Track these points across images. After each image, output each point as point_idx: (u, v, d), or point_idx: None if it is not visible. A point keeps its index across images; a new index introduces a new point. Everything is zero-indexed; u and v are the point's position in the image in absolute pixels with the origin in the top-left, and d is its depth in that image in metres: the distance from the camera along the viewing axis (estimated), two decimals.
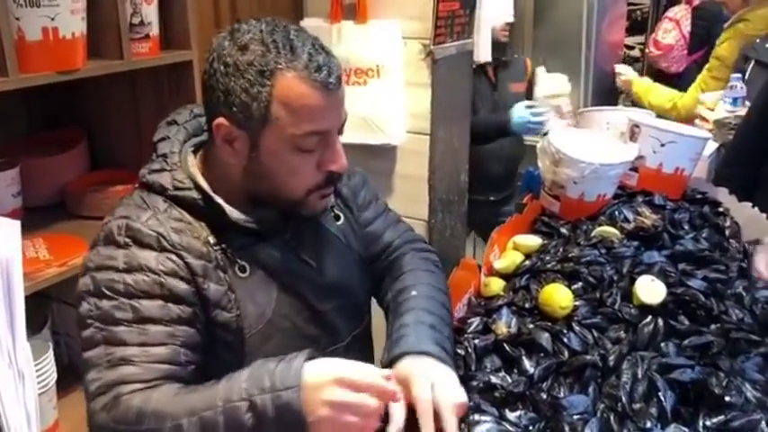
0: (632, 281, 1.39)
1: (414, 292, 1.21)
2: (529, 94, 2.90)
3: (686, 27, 4.89)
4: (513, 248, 1.65)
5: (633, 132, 1.92)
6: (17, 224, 1.02)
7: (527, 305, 1.38)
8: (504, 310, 1.36)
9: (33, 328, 1.56)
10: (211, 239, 1.05)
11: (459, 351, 1.23)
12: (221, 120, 1.01)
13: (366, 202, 1.33)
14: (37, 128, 1.83)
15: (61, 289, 1.66)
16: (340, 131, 1.08)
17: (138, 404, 0.92)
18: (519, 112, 2.59)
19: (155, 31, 1.54)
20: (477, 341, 1.27)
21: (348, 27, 2.02)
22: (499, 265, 1.57)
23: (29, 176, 1.63)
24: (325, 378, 0.88)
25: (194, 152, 1.13)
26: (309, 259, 1.16)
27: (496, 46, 2.73)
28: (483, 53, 2.32)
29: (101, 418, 0.94)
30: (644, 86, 2.98)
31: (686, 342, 1.24)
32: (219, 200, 1.06)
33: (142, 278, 0.99)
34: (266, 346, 1.09)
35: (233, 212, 1.06)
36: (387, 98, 2.01)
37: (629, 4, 5.11)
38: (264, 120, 1.00)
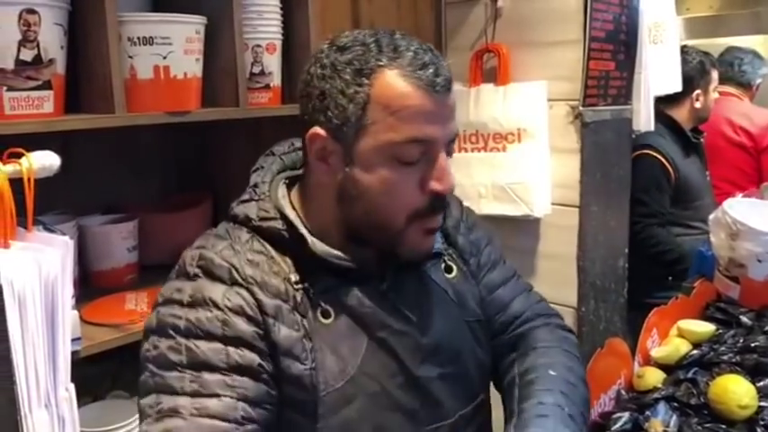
0: None
1: (552, 372, 0.99)
2: None
3: None
4: (677, 335, 1.36)
5: None
6: (68, 242, 0.94)
7: (692, 401, 1.08)
8: (662, 406, 1.08)
9: (135, 389, 1.47)
10: (293, 277, 0.91)
11: None
12: (316, 129, 0.90)
13: (491, 262, 1.12)
14: (171, 190, 1.84)
15: None
16: (449, 151, 0.92)
17: None
18: None
19: (276, 81, 1.49)
20: None
21: (487, 89, 1.88)
22: (659, 353, 1.28)
23: (149, 234, 1.60)
24: None
25: (290, 185, 1.02)
26: (410, 313, 0.97)
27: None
28: (644, 122, 2.06)
29: None
30: None
31: None
32: (303, 230, 0.92)
33: (205, 315, 0.86)
34: (347, 411, 0.90)
35: (316, 244, 0.92)
36: (529, 165, 1.81)
37: None
38: (360, 124, 0.87)
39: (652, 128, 2.11)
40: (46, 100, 1.14)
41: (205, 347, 0.85)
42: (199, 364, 0.84)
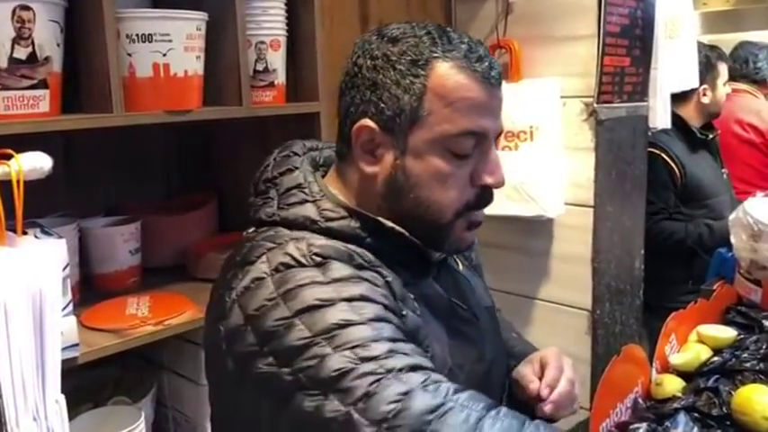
0: None
1: (514, 335, 1.14)
2: None
3: None
4: (696, 341, 1.31)
5: None
6: (60, 246, 0.91)
7: (714, 412, 1.03)
8: (682, 417, 1.03)
9: (136, 395, 1.44)
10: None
11: None
12: (365, 121, 0.87)
13: (480, 264, 1.16)
14: (175, 191, 1.81)
15: (174, 359, 1.55)
16: (496, 143, 0.91)
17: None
18: None
19: (280, 79, 1.45)
20: None
21: None
22: (678, 359, 1.23)
23: (152, 236, 1.57)
24: None
25: None
26: (459, 302, 0.97)
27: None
28: (660, 119, 2.00)
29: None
30: None
31: None
32: (390, 223, 0.88)
33: (355, 287, 0.79)
34: None
35: (410, 236, 0.88)
36: (541, 163, 1.77)
37: None
38: (415, 115, 0.85)
39: (668, 125, 2.05)
40: (41, 99, 1.10)
41: (370, 307, 0.77)
42: (371, 319, 0.75)
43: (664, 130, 2.17)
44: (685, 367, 1.21)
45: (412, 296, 0.87)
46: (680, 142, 2.37)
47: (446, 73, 0.84)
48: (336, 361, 0.71)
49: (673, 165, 2.31)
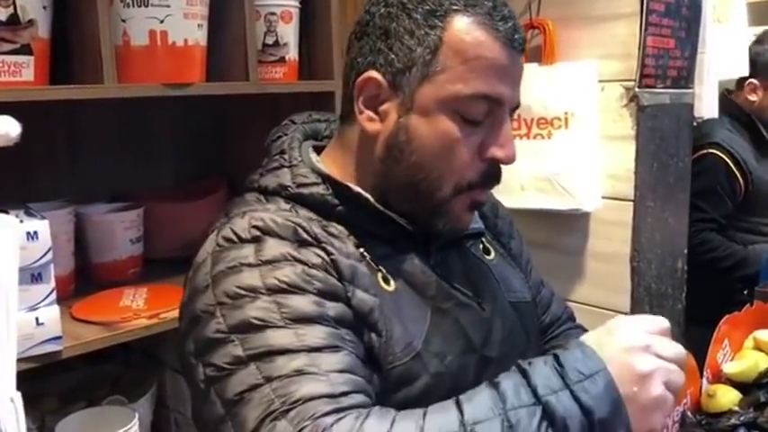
0: None
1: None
2: None
3: None
4: (753, 348, 1.17)
5: None
6: (20, 226, 0.80)
7: None
8: None
9: (134, 394, 1.34)
10: (350, 241, 0.82)
11: None
12: (371, 73, 0.82)
13: (531, 261, 1.08)
14: (185, 177, 1.71)
15: (177, 356, 1.46)
16: (510, 118, 0.83)
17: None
18: None
19: (292, 54, 1.34)
20: None
21: (531, 70, 1.69)
22: (732, 368, 1.11)
23: (157, 224, 1.47)
24: (632, 344, 0.69)
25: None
26: (464, 289, 0.88)
27: None
28: (707, 108, 1.85)
29: None
30: None
31: None
32: (358, 188, 0.84)
33: (290, 269, 0.73)
34: (408, 389, 0.78)
35: (376, 203, 0.84)
36: (576, 153, 1.63)
37: None
38: (427, 70, 0.79)
39: (715, 115, 1.90)
40: (24, 66, 1.01)
41: (298, 300, 0.71)
42: (298, 319, 0.70)
43: (724, 125, 1.98)
44: (741, 377, 1.08)
45: (383, 269, 0.81)
46: (745, 142, 2.12)
47: (466, 27, 0.79)
48: (241, 378, 0.67)
49: (737, 170, 2.08)
